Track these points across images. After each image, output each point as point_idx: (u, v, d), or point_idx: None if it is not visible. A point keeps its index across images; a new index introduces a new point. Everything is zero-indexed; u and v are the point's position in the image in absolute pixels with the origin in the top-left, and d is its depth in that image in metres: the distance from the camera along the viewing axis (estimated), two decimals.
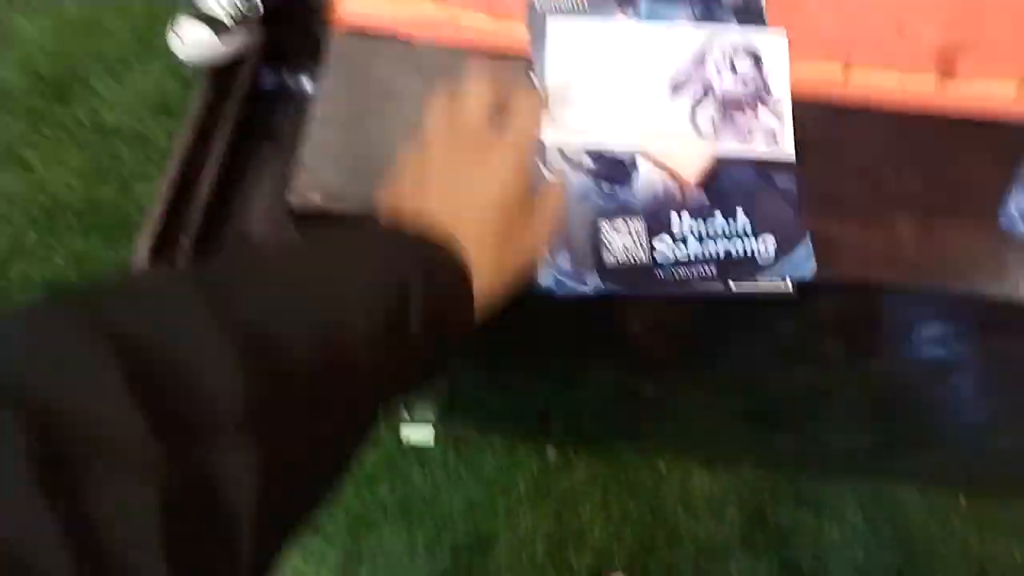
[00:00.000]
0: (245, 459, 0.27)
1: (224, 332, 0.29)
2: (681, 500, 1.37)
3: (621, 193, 0.59)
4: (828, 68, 0.63)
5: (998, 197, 0.60)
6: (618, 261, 0.58)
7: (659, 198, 0.59)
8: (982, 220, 0.60)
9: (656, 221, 0.58)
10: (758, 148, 0.61)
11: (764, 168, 0.60)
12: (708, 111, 0.62)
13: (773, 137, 0.61)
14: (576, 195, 0.59)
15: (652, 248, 0.58)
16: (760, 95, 0.62)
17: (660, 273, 0.58)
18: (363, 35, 0.65)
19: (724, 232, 0.58)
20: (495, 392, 1.18)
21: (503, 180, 0.45)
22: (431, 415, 1.39)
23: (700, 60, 0.63)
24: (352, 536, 1.36)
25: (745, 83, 0.62)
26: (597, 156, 0.60)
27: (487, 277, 0.43)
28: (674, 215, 0.58)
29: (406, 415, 1.39)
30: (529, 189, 0.46)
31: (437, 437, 1.41)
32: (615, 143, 0.60)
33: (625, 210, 0.59)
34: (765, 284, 0.58)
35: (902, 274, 0.58)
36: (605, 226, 0.58)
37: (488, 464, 1.40)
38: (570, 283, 0.57)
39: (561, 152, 0.59)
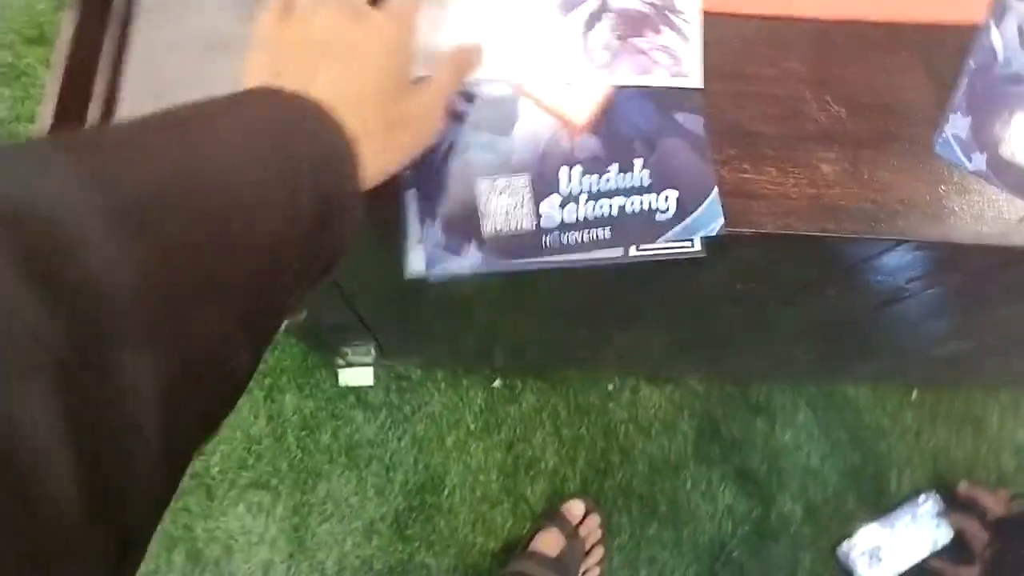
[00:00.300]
0: (145, 359, 0.25)
1: (108, 212, 0.26)
2: (632, 419, 1.34)
3: (501, 144, 0.50)
4: None
5: (934, 121, 0.52)
6: (499, 229, 0.50)
7: (545, 149, 0.50)
8: (916, 149, 0.52)
9: (542, 178, 0.50)
10: (660, 78, 0.52)
11: (667, 106, 0.51)
12: (603, 34, 0.52)
13: (679, 64, 0.52)
14: (448, 148, 0.50)
15: (538, 211, 0.50)
16: (665, 11, 0.53)
17: (548, 240, 0.50)
18: None
19: (620, 188, 0.50)
20: (429, 337, 1.12)
21: (386, 50, 0.42)
22: (368, 356, 1.33)
23: None
24: (299, 487, 1.32)
25: None
26: (471, 98, 0.51)
27: (369, 154, 0.40)
28: (563, 169, 0.50)
29: (341, 360, 1.33)
30: (410, 63, 0.44)
31: (377, 377, 1.35)
32: (493, 81, 0.51)
33: (507, 166, 0.50)
34: (671, 246, 0.50)
35: (826, 223, 0.50)
36: (484, 186, 0.50)
37: (433, 400, 1.35)
38: (445, 260, 0.49)
39: None
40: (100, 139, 0.31)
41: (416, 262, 0.49)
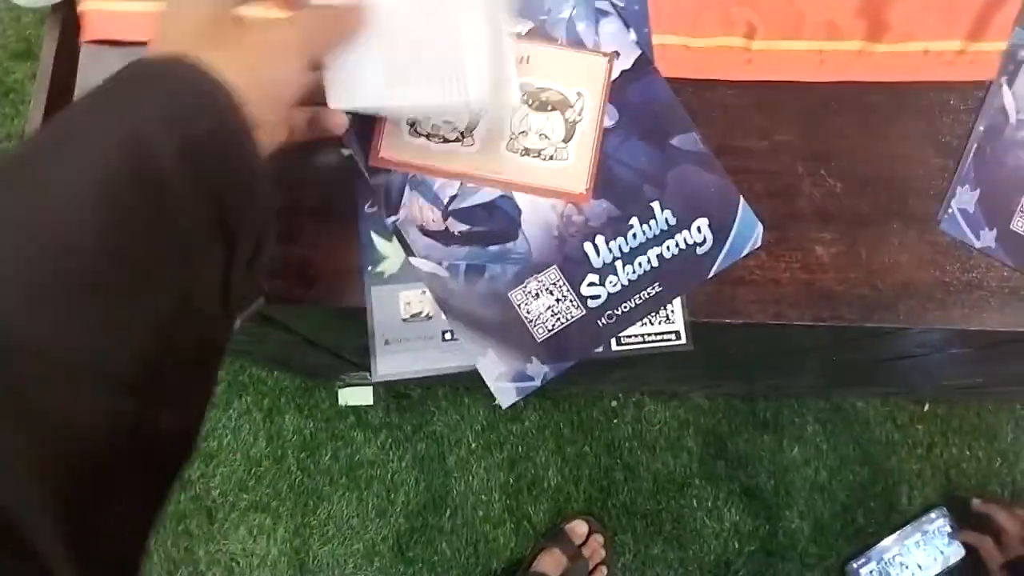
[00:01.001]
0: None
1: None
2: (636, 436, 1.31)
3: (515, 248, 0.47)
4: (725, 42, 0.50)
5: (938, 193, 0.49)
6: (551, 330, 0.47)
7: (559, 232, 0.47)
8: (919, 227, 0.48)
9: (570, 262, 0.47)
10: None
11: (658, 135, 0.48)
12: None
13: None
14: (462, 278, 0.47)
15: (581, 296, 0.47)
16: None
17: (603, 319, 0.47)
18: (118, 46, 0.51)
19: (649, 238, 0.47)
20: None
21: None
22: (368, 377, 1.31)
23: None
24: (299, 509, 1.31)
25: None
26: (461, 215, 0.47)
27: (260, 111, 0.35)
28: (587, 245, 0.47)
29: (340, 381, 1.31)
30: None
31: (377, 395, 1.33)
32: (470, 185, 0.48)
33: (530, 267, 0.47)
34: (655, 342, 0.47)
35: (820, 311, 0.47)
36: (517, 296, 0.47)
37: (434, 419, 1.33)
38: (516, 385, 0.48)
39: (418, 230, 0.47)
40: None
41: (500, 398, 0.48)
